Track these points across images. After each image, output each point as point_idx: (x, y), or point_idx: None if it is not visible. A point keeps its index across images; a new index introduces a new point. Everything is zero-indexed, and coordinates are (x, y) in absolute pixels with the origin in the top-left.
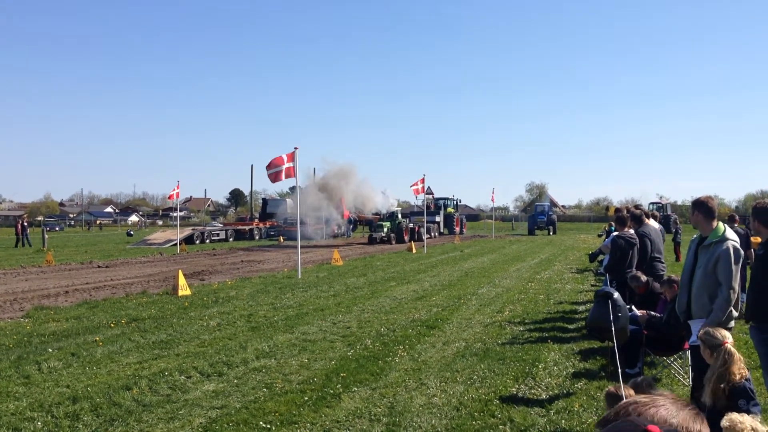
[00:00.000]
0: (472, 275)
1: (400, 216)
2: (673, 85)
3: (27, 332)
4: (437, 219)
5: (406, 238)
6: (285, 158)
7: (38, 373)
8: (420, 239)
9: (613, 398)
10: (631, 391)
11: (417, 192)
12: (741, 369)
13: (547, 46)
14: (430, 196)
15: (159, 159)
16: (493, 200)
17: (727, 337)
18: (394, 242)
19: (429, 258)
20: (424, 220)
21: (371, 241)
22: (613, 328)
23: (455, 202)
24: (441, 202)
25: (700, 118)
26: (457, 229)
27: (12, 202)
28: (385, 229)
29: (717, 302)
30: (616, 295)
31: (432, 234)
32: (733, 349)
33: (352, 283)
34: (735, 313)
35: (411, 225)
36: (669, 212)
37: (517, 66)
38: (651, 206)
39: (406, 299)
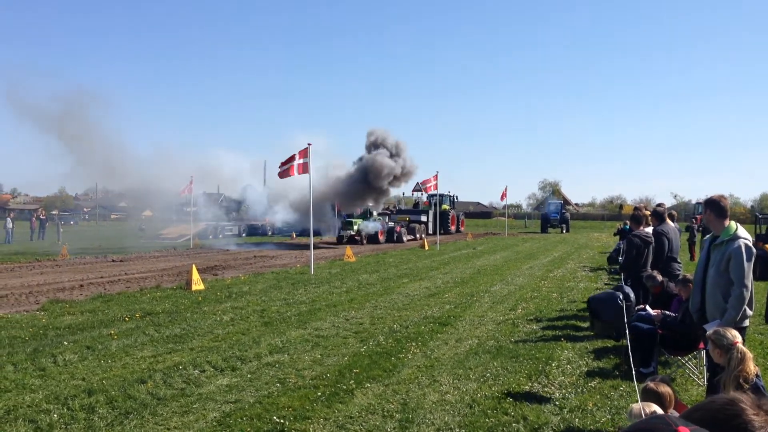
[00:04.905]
0: (484, 272)
1: (375, 213)
2: (688, 84)
3: (43, 325)
4: (423, 218)
5: (382, 238)
6: (297, 155)
7: (54, 365)
8: (400, 240)
9: (653, 394)
10: (669, 389)
11: (429, 189)
12: (754, 366)
13: (564, 44)
14: (420, 193)
15: (173, 155)
16: (505, 197)
17: (737, 336)
18: (365, 242)
19: (441, 255)
20: (420, 218)
21: (339, 240)
22: (603, 321)
23: (451, 199)
24: (435, 198)
25: (715, 116)
26: (453, 228)
27: (27, 195)
28: (355, 227)
29: (730, 301)
30: (632, 296)
31: (417, 235)
32: (744, 348)
33: (365, 280)
34: (749, 312)
35: (391, 224)
36: None
37: (533, 64)
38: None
39: (419, 296)
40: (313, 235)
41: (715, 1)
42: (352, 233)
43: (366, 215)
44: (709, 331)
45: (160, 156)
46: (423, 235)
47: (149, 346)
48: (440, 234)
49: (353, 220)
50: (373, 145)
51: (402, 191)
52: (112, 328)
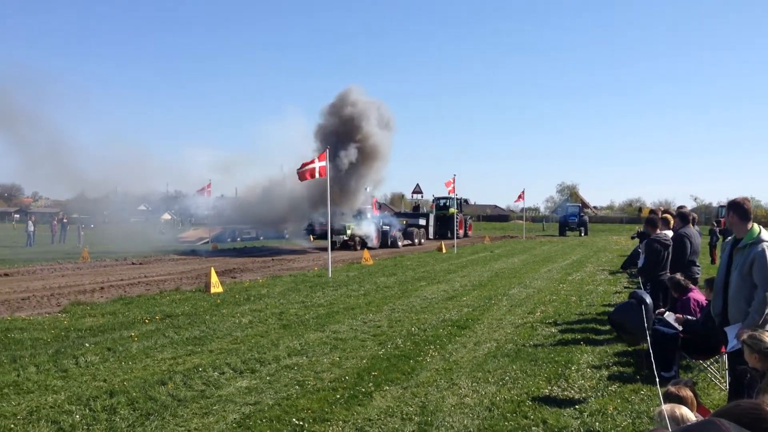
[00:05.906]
0: (502, 276)
1: (369, 216)
2: (707, 86)
3: (64, 327)
4: (421, 222)
5: (376, 243)
6: (317, 158)
7: (76, 367)
8: (395, 245)
9: (675, 398)
10: (691, 393)
11: (452, 191)
12: None
13: (580, 48)
14: (419, 195)
15: (192, 159)
16: (522, 199)
17: None
18: (359, 247)
19: (459, 258)
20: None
21: (332, 246)
22: (634, 332)
23: (459, 202)
24: (442, 201)
25: (734, 118)
26: (461, 232)
27: (48, 199)
28: (348, 232)
29: (753, 305)
30: (649, 301)
31: (416, 240)
32: None
33: (383, 283)
34: None
35: (386, 228)
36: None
37: (550, 67)
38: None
39: (437, 299)
40: (280, 239)
41: (733, 4)
42: (345, 238)
43: (359, 219)
44: (745, 336)
45: (126, 155)
46: (422, 240)
47: (169, 348)
48: (445, 239)
49: (346, 224)
50: (326, 139)
51: (402, 193)
52: (132, 330)
